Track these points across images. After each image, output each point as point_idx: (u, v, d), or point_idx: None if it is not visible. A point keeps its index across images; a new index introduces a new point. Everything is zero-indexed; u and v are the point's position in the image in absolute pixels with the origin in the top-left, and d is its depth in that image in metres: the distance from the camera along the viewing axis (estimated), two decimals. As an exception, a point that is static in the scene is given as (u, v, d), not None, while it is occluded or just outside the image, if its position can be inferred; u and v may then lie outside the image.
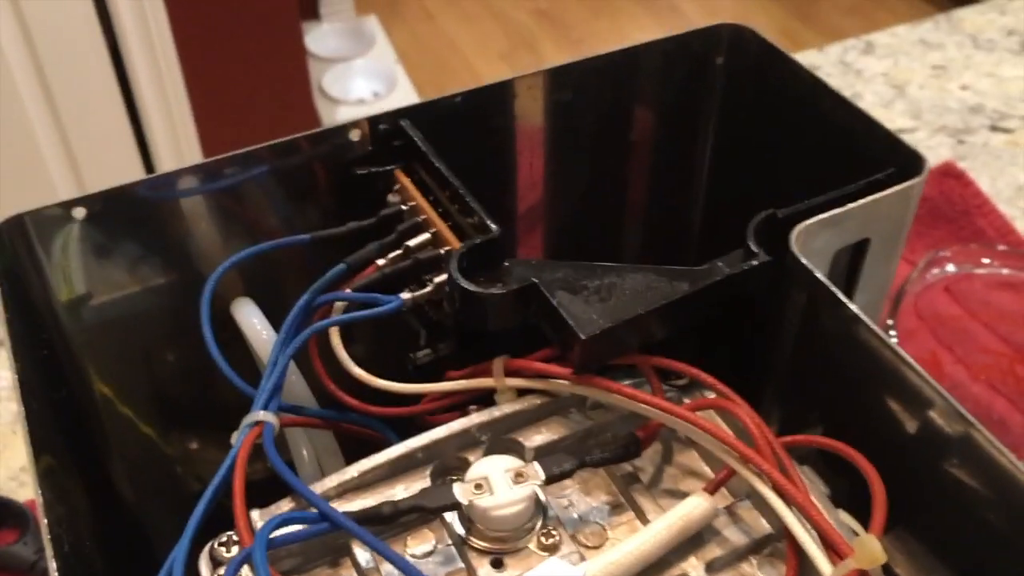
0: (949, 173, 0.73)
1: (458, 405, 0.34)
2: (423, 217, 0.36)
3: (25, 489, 0.56)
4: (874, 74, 0.85)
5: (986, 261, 0.63)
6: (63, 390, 0.37)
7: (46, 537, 0.27)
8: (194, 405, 0.43)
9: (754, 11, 2.31)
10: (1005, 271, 0.63)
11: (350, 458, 0.35)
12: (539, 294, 0.32)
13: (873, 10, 2.35)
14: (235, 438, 0.31)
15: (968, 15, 0.91)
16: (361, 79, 2.12)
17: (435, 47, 2.29)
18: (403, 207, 0.37)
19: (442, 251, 0.35)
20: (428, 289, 0.34)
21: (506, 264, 0.33)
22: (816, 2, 2.39)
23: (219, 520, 0.30)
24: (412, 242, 0.35)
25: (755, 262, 0.33)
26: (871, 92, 0.82)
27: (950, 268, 0.63)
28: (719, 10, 2.29)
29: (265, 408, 0.31)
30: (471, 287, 0.32)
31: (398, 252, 0.35)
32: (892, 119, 0.81)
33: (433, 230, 0.35)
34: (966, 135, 0.78)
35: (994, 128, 0.79)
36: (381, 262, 0.35)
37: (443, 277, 0.34)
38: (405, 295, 0.34)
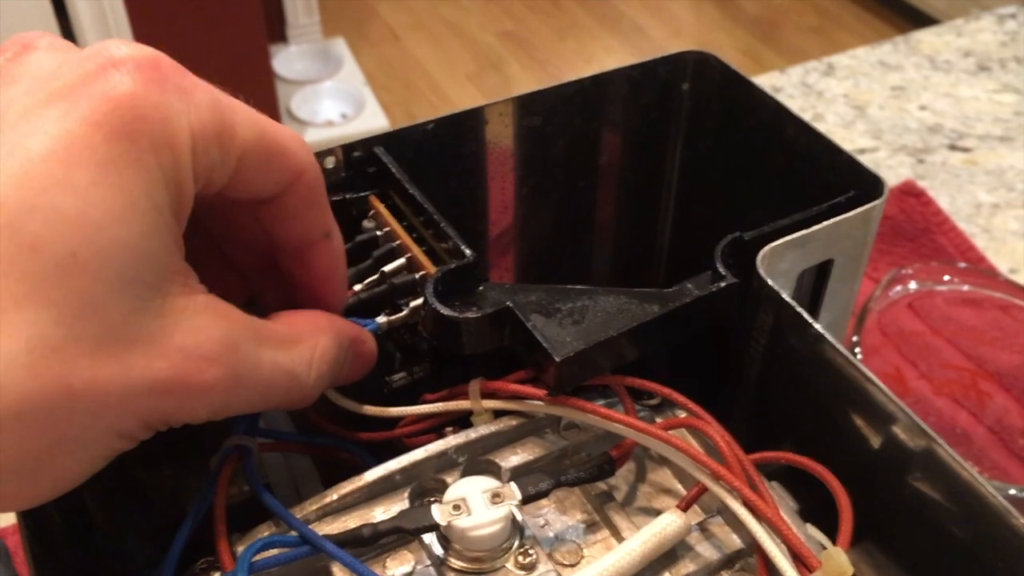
0: (909, 192, 0.75)
1: (435, 428, 0.34)
2: (398, 242, 0.36)
3: (-5, 517, 0.56)
4: (835, 95, 0.87)
5: (947, 278, 0.64)
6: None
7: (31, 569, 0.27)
8: (168, 429, 0.43)
9: (718, 33, 2.34)
10: (966, 287, 0.64)
11: (326, 482, 0.35)
12: (514, 317, 0.32)
13: (834, 31, 2.39)
14: (215, 462, 0.31)
15: (926, 37, 0.93)
16: (329, 101, 2.13)
17: (402, 69, 2.30)
18: (378, 233, 0.37)
19: (417, 276, 0.35)
20: (404, 313, 0.35)
21: (480, 288, 0.34)
22: (778, 24, 2.43)
23: (193, 547, 0.30)
24: (388, 267, 0.36)
25: (723, 283, 0.34)
26: (832, 113, 0.84)
27: (912, 285, 0.64)
28: (683, 32, 2.32)
29: (245, 432, 0.31)
30: (446, 311, 0.32)
31: (374, 277, 0.36)
32: (853, 139, 0.83)
33: (408, 255, 0.36)
34: (925, 154, 0.80)
35: (953, 147, 0.80)
36: (358, 287, 0.36)
37: (418, 301, 0.34)
38: (381, 319, 0.34)
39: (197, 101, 0.26)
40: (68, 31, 1.49)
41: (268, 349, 0.28)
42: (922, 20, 2.17)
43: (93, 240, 0.23)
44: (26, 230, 0.22)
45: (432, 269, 0.35)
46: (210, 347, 0.26)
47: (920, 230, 0.73)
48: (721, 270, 0.34)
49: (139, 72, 0.25)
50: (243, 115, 0.28)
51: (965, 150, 0.80)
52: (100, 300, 0.23)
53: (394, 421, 0.34)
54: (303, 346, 0.29)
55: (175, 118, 0.25)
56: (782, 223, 0.35)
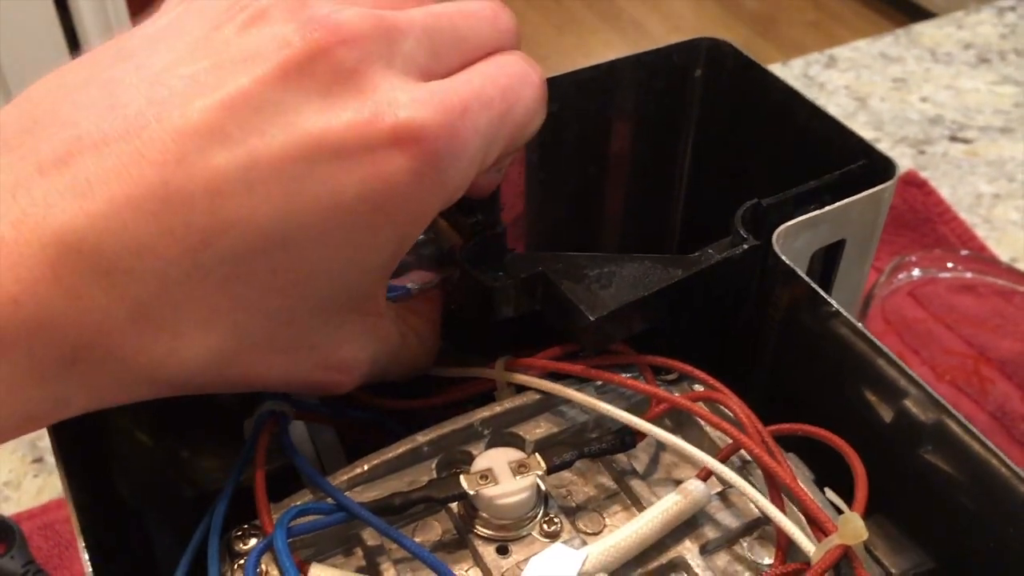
0: (911, 182, 0.76)
1: (462, 401, 0.35)
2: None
3: (8, 504, 0.57)
4: (837, 87, 0.88)
5: (950, 265, 0.65)
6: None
7: (82, 546, 0.28)
8: (187, 409, 0.44)
9: (717, 28, 2.35)
10: (968, 275, 0.65)
11: (349, 455, 0.36)
12: (546, 282, 0.33)
13: (832, 26, 2.40)
14: (249, 428, 0.32)
15: (927, 29, 0.94)
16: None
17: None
18: None
19: (444, 247, 0.36)
20: (434, 281, 0.35)
21: (508, 258, 0.35)
22: (776, 18, 2.44)
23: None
24: (424, 249, 0.36)
25: (745, 246, 0.35)
26: (834, 104, 0.85)
27: (916, 273, 0.65)
28: (682, 27, 2.33)
29: (276, 399, 0.32)
30: (482, 277, 0.33)
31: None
32: (855, 130, 0.83)
33: (436, 227, 0.37)
34: (926, 145, 0.81)
35: (953, 139, 0.82)
36: None
37: (447, 272, 0.35)
38: (411, 284, 0.35)
39: (465, 171, 0.27)
40: (70, 31, 1.49)
41: (399, 358, 0.33)
42: (920, 15, 2.18)
43: (316, 279, 0.26)
44: (276, 257, 0.25)
45: (459, 240, 0.35)
46: (361, 364, 0.30)
47: (922, 220, 0.74)
48: (742, 233, 0.35)
49: (415, 157, 0.25)
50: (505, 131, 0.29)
51: (966, 141, 0.81)
52: (299, 317, 0.27)
53: (423, 392, 0.35)
54: (429, 345, 0.35)
55: (432, 203, 0.27)
56: (798, 190, 0.36)
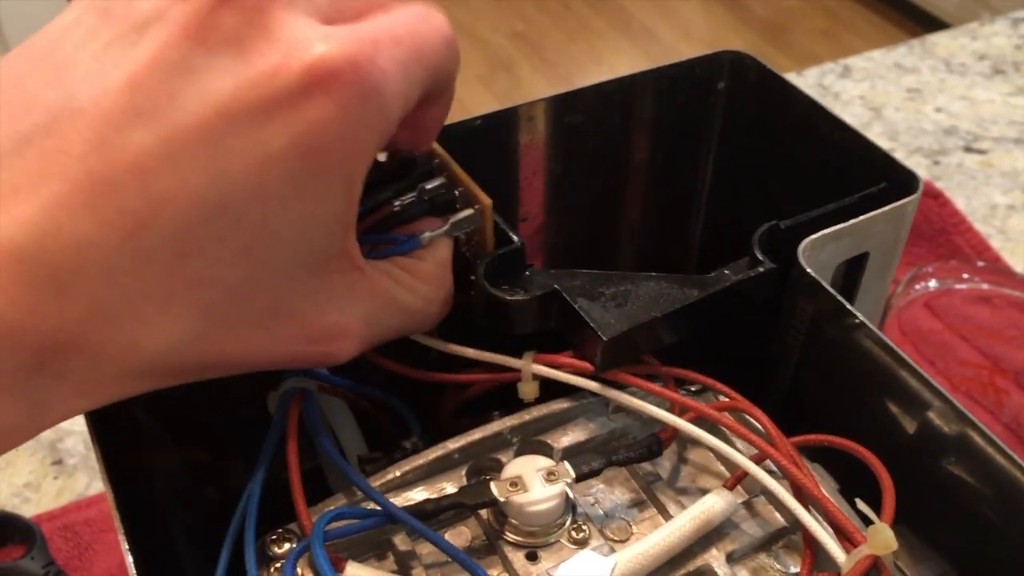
0: (927, 193, 0.76)
1: (484, 384, 0.36)
2: (436, 161, 0.36)
3: (29, 505, 0.58)
4: (851, 97, 0.88)
5: (966, 276, 0.66)
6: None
7: (128, 560, 0.28)
8: (207, 410, 0.45)
9: (727, 35, 2.36)
10: (985, 286, 0.65)
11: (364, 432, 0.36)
12: (561, 300, 0.34)
13: (843, 34, 2.40)
14: (273, 402, 0.32)
15: (941, 40, 0.94)
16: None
17: (413, 69, 2.31)
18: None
19: (456, 191, 0.35)
20: (444, 228, 0.34)
21: (527, 273, 0.35)
22: (787, 27, 2.44)
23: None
24: (428, 185, 0.35)
25: (760, 269, 0.35)
26: (849, 115, 0.86)
27: (932, 284, 0.65)
28: (693, 34, 2.33)
29: (301, 374, 0.33)
30: (498, 293, 0.34)
31: (412, 195, 0.35)
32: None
33: (447, 173, 0.35)
34: (941, 156, 0.81)
35: (968, 149, 0.82)
36: (397, 204, 0.35)
37: (461, 215, 0.34)
38: (422, 235, 0.34)
39: (390, 105, 0.26)
40: None
41: (400, 316, 0.31)
42: (932, 24, 2.18)
43: (269, 240, 0.25)
44: (218, 225, 0.24)
45: (487, 201, 0.35)
46: (352, 327, 0.29)
47: (937, 230, 0.75)
48: (759, 255, 0.35)
49: (336, 93, 0.25)
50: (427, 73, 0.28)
51: (981, 152, 0.82)
52: (264, 286, 0.26)
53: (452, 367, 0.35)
54: (434, 299, 0.33)
55: (366, 137, 0.26)
56: (817, 212, 0.37)
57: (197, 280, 0.25)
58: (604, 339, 0.32)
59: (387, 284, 0.31)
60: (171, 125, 0.23)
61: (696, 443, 0.36)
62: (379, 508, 0.30)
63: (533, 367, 0.34)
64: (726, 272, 0.36)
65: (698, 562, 0.31)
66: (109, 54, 0.24)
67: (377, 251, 0.32)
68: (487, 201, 0.35)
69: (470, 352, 0.35)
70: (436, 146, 0.36)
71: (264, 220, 0.25)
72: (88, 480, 0.59)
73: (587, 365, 0.33)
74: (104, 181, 0.23)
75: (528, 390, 0.35)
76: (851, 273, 0.39)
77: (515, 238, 0.36)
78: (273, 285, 0.26)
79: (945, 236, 0.74)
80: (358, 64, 0.25)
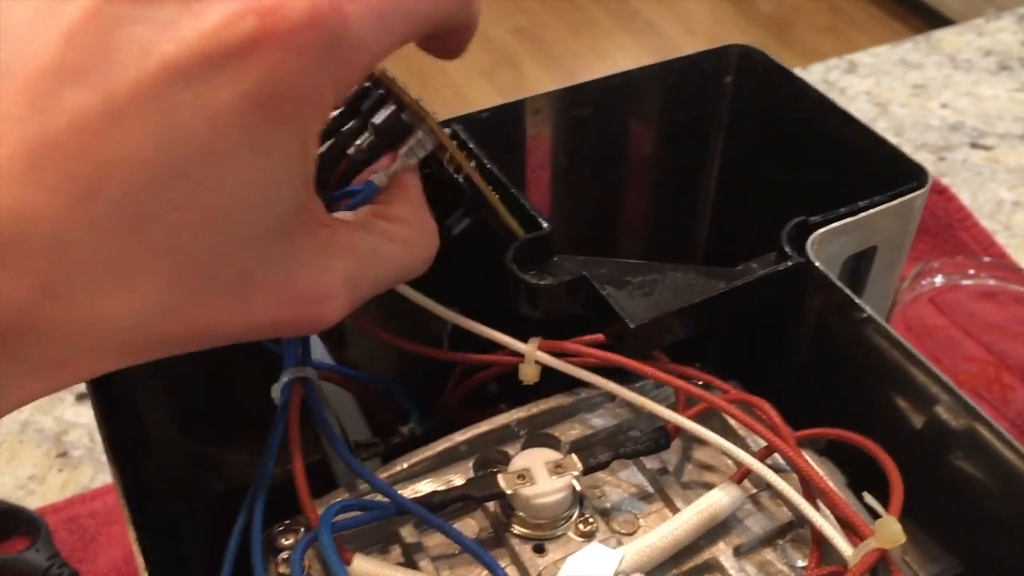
0: (933, 188, 0.76)
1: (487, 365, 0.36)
2: (380, 91, 0.33)
3: (33, 497, 0.58)
4: (857, 92, 0.88)
5: (972, 272, 0.65)
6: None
7: (136, 548, 0.28)
8: (212, 403, 0.45)
9: (732, 31, 2.35)
10: (991, 282, 0.65)
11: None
12: (589, 286, 0.34)
13: (848, 30, 2.40)
14: (276, 391, 0.32)
15: (947, 36, 0.94)
16: (344, 95, 2.14)
17: (417, 64, 2.31)
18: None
19: (403, 116, 0.33)
20: (396, 164, 0.32)
21: (555, 259, 0.35)
22: (792, 23, 2.44)
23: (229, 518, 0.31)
24: (376, 119, 0.32)
25: (789, 263, 0.35)
26: (854, 110, 0.85)
27: (938, 279, 0.65)
28: (697, 29, 2.32)
29: (300, 363, 0.32)
30: (527, 278, 0.34)
31: (366, 136, 0.32)
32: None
33: (397, 99, 0.33)
34: (947, 152, 0.81)
35: (974, 145, 0.82)
36: (350, 151, 0.32)
37: (410, 144, 0.33)
38: (374, 177, 0.32)
39: (353, 56, 0.25)
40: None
41: (384, 266, 0.29)
42: (937, 20, 2.18)
43: (227, 203, 0.24)
44: (171, 188, 0.23)
45: (433, 120, 0.33)
46: (332, 288, 0.27)
47: (943, 226, 0.75)
48: (788, 250, 0.35)
49: (291, 44, 0.23)
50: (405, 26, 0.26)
51: (986, 148, 0.81)
52: (229, 252, 0.24)
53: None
54: (418, 246, 0.31)
55: (326, 93, 0.25)
56: (846, 209, 0.36)
57: (156, 250, 0.23)
58: (631, 327, 0.32)
59: (361, 237, 0.29)
60: (113, 81, 0.22)
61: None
62: (385, 500, 0.30)
63: (537, 354, 0.34)
64: (753, 265, 0.36)
65: (705, 556, 0.31)
66: (42, 11, 0.22)
67: (339, 207, 0.31)
68: (433, 120, 0.33)
69: (477, 327, 0.34)
70: (377, 71, 0.33)
71: (220, 181, 0.23)
72: (93, 472, 0.59)
73: (595, 352, 0.33)
74: (43, 144, 0.21)
75: (529, 372, 0.34)
76: (859, 267, 0.39)
77: (544, 224, 0.35)
78: (237, 251, 0.25)
79: (951, 232, 0.74)
80: (318, 12, 0.23)
